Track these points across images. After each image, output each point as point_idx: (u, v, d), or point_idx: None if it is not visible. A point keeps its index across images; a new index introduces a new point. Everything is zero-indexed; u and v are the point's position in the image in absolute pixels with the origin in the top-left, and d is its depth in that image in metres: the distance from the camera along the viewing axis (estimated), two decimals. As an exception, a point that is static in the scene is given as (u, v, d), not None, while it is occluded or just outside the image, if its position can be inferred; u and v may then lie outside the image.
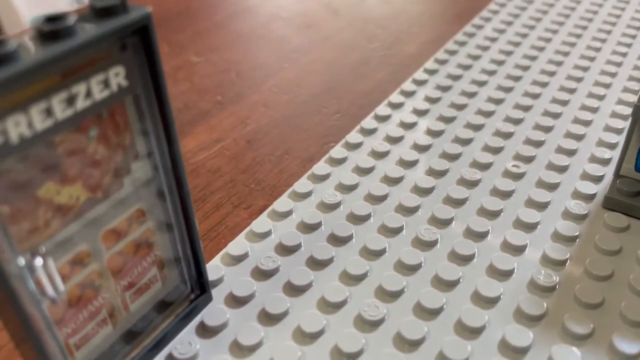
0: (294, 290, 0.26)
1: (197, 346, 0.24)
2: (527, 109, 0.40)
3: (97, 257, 0.21)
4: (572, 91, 0.42)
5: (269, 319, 0.25)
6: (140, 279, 0.23)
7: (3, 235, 0.16)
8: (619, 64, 0.45)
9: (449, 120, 0.39)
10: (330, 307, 0.25)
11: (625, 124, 0.37)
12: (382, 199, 0.32)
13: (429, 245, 0.29)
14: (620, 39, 0.49)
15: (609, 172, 0.33)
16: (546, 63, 0.45)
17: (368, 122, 0.38)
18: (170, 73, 0.46)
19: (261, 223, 0.30)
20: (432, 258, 0.28)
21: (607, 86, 0.42)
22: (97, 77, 0.17)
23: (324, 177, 0.33)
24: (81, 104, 0.17)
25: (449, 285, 0.26)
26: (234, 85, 0.45)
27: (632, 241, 0.29)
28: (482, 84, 0.43)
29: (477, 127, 0.38)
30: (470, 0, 0.59)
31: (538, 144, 0.36)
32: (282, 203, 0.31)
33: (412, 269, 0.27)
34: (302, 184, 0.33)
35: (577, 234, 0.29)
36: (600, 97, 0.41)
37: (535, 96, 0.41)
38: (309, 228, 0.30)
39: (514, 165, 0.34)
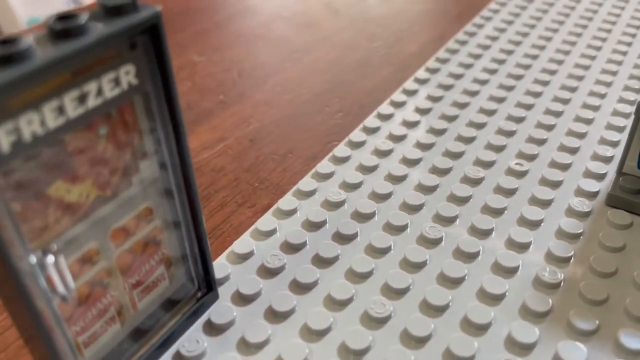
0: (300, 288, 0.26)
1: (204, 344, 0.24)
2: (529, 107, 0.40)
3: (106, 255, 0.21)
4: (573, 90, 0.42)
5: (275, 316, 0.25)
6: (147, 277, 0.23)
7: (15, 233, 0.16)
8: (619, 63, 0.45)
9: (451, 118, 0.39)
10: (336, 304, 0.26)
11: (627, 122, 0.38)
12: (386, 197, 0.32)
13: (434, 243, 0.29)
14: (621, 37, 0.49)
15: (611, 169, 0.34)
16: (547, 62, 0.46)
17: (371, 120, 0.39)
18: (172, 72, 0.46)
19: (266, 221, 0.30)
20: (437, 256, 0.28)
21: (608, 85, 0.42)
22: (108, 76, 0.17)
23: (328, 176, 0.34)
24: (92, 102, 0.17)
25: (454, 282, 0.26)
26: (236, 85, 0.45)
27: (635, 238, 0.29)
28: (483, 82, 0.43)
29: (480, 126, 0.38)
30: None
31: (540, 142, 0.36)
32: (287, 201, 0.31)
33: (418, 266, 0.27)
34: (306, 183, 0.33)
35: (580, 231, 0.29)
36: (602, 96, 0.41)
37: (537, 95, 0.41)
38: (314, 226, 0.30)
39: (517, 164, 0.34)
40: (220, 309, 0.25)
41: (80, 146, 0.18)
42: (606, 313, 0.25)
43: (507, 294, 0.26)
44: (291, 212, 0.31)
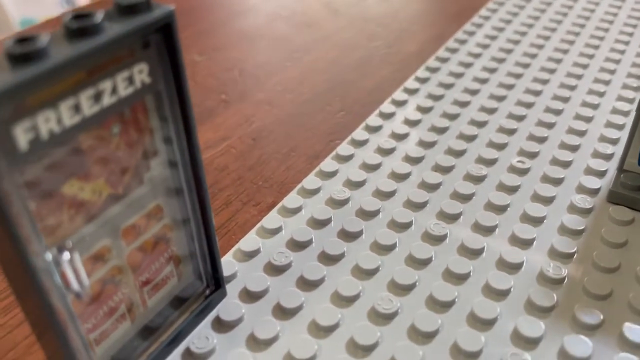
0: (307, 285, 0.27)
1: (214, 340, 0.24)
2: (529, 105, 0.40)
3: (117, 253, 0.21)
4: (572, 88, 0.42)
5: (284, 313, 0.25)
6: (157, 275, 0.23)
7: (32, 230, 0.17)
8: (617, 61, 0.46)
9: (452, 117, 0.39)
10: (344, 301, 0.26)
11: (626, 120, 0.38)
12: (390, 194, 0.32)
13: (439, 239, 0.29)
14: (618, 36, 0.50)
15: (611, 167, 0.34)
16: (546, 60, 0.46)
17: (373, 119, 0.39)
18: (173, 72, 0.47)
19: (272, 219, 0.30)
20: (443, 252, 0.28)
21: (606, 83, 0.43)
22: (122, 74, 0.17)
23: (331, 174, 0.34)
24: (107, 100, 0.17)
25: (460, 278, 0.27)
26: (237, 84, 0.45)
27: (637, 234, 0.29)
28: (484, 81, 0.43)
29: (481, 124, 0.38)
30: (468, -1, 0.59)
31: (541, 139, 0.36)
32: (292, 199, 0.31)
33: (423, 263, 0.28)
34: (310, 181, 0.33)
35: (583, 227, 0.29)
36: (601, 94, 0.41)
37: (537, 93, 0.42)
38: (319, 224, 0.30)
39: (518, 161, 0.34)
40: (229, 306, 0.26)
41: (94, 144, 0.18)
42: (610, 307, 0.25)
43: (512, 289, 0.26)
44: (296, 210, 0.31)
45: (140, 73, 0.18)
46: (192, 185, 0.23)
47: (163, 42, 0.18)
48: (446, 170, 0.34)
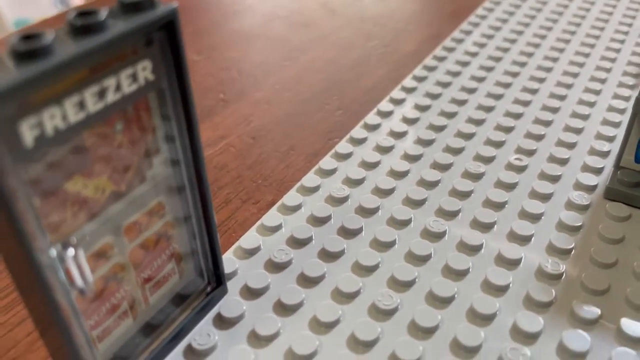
0: (308, 281, 0.27)
1: (215, 337, 0.24)
2: (526, 104, 0.40)
3: (120, 249, 0.21)
4: (569, 86, 0.43)
5: (284, 309, 0.25)
6: (159, 272, 0.24)
7: (37, 227, 0.17)
8: (613, 60, 0.46)
9: (450, 115, 0.39)
10: (344, 297, 0.26)
11: (622, 118, 0.38)
12: (389, 192, 0.32)
13: (438, 236, 0.29)
14: (613, 35, 0.50)
15: (608, 164, 0.34)
16: (542, 59, 0.46)
17: (371, 117, 0.39)
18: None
19: (272, 217, 0.30)
20: (442, 249, 0.28)
21: (602, 81, 0.43)
22: (126, 71, 0.18)
23: (330, 172, 0.34)
24: (111, 97, 0.17)
25: (459, 274, 0.27)
26: (236, 83, 0.46)
27: (634, 230, 0.29)
28: (481, 80, 0.44)
29: (479, 122, 0.38)
30: (465, -1, 0.60)
31: (539, 137, 0.37)
32: (291, 197, 0.32)
33: (423, 259, 0.28)
34: (309, 179, 0.33)
35: (580, 224, 0.30)
36: (597, 92, 0.42)
37: (534, 91, 0.42)
38: (319, 221, 0.30)
39: (516, 159, 0.35)
40: (230, 303, 0.26)
41: (97, 142, 0.18)
42: (608, 302, 0.26)
43: (511, 285, 0.26)
44: (296, 208, 0.31)
45: (144, 70, 0.18)
46: (193, 182, 0.23)
47: (166, 40, 0.19)
48: (444, 167, 0.34)
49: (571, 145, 0.36)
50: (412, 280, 0.27)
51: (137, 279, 0.22)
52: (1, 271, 0.29)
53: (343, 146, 0.36)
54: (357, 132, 0.37)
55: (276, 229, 0.30)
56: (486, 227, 0.30)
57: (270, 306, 0.26)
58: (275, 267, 0.28)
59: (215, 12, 0.59)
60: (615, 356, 0.23)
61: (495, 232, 0.29)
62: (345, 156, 0.35)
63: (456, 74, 0.44)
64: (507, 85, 0.43)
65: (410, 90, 0.43)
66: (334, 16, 0.57)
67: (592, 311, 0.25)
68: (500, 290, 0.26)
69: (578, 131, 0.37)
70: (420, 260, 0.28)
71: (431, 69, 0.45)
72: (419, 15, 0.57)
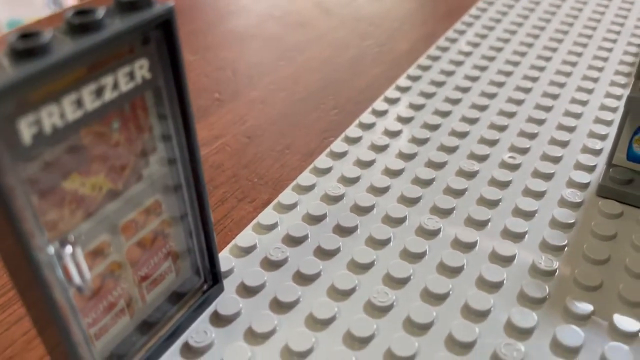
0: (303, 279, 0.27)
1: (212, 335, 0.24)
2: (519, 102, 0.41)
3: (116, 247, 0.21)
4: (561, 85, 0.43)
5: (281, 307, 0.26)
6: (155, 270, 0.24)
7: (35, 224, 0.17)
8: (605, 59, 0.46)
9: (444, 114, 0.40)
10: (340, 294, 0.26)
11: (614, 116, 0.39)
12: (384, 190, 0.32)
13: (433, 234, 0.29)
14: (605, 35, 0.50)
15: (600, 162, 0.35)
16: (535, 59, 0.47)
17: (366, 117, 0.39)
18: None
19: (267, 215, 0.30)
20: (436, 246, 0.29)
21: (594, 80, 0.43)
22: (123, 70, 0.18)
23: (326, 171, 0.34)
24: (109, 95, 0.18)
25: (454, 271, 0.27)
26: (231, 83, 0.46)
27: (626, 227, 0.30)
28: (474, 79, 0.44)
29: (472, 121, 0.39)
30: (458, -1, 0.60)
31: (532, 136, 0.37)
32: (287, 196, 0.32)
33: (418, 256, 0.28)
34: (305, 178, 0.33)
35: (573, 221, 0.30)
36: (589, 91, 0.42)
37: (527, 90, 0.42)
38: (314, 220, 0.30)
39: (510, 157, 0.35)
40: (226, 301, 0.26)
41: (95, 140, 0.18)
42: (601, 298, 0.26)
43: (504, 281, 0.27)
44: (292, 207, 0.31)
45: (141, 69, 0.18)
46: (190, 180, 0.23)
47: (163, 38, 0.19)
48: (439, 166, 0.34)
49: (564, 144, 0.36)
50: (407, 278, 0.27)
51: (133, 277, 0.23)
52: (-3, 270, 0.29)
53: (338, 145, 0.36)
54: (352, 131, 0.38)
55: (272, 227, 0.30)
56: (480, 225, 0.30)
57: (267, 304, 0.26)
58: (272, 265, 0.28)
59: (210, 13, 0.59)
60: (607, 351, 0.23)
61: (489, 230, 0.30)
62: (341, 155, 0.36)
63: (450, 74, 0.45)
64: (500, 85, 0.43)
65: (404, 90, 0.43)
66: (329, 16, 0.57)
67: (585, 307, 0.25)
68: (494, 287, 0.26)
69: (571, 130, 0.38)
70: (415, 257, 0.28)
71: (425, 68, 0.46)
72: (413, 15, 0.58)
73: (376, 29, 0.54)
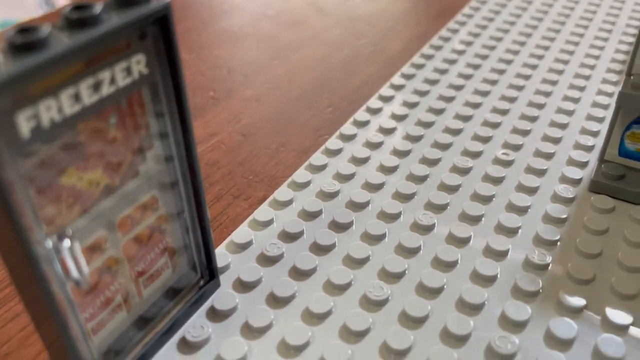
0: (299, 274, 0.27)
1: (209, 329, 0.24)
2: (512, 100, 0.41)
3: (113, 243, 0.21)
4: (554, 83, 0.43)
5: (277, 302, 0.26)
6: (152, 266, 0.24)
7: (34, 218, 0.17)
8: (596, 57, 0.47)
9: (438, 112, 0.40)
10: (336, 289, 0.26)
11: (606, 113, 0.39)
12: (379, 187, 0.33)
13: (427, 229, 0.30)
14: (597, 33, 0.51)
15: (592, 158, 0.35)
16: (528, 57, 0.47)
17: (361, 114, 0.39)
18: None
19: (263, 212, 0.31)
20: (431, 241, 0.29)
21: (586, 78, 0.44)
22: (120, 65, 0.18)
23: (321, 168, 0.34)
24: (106, 90, 0.18)
25: (448, 266, 0.27)
26: (225, 82, 0.46)
27: (618, 221, 0.30)
28: (468, 77, 0.44)
29: (466, 118, 0.39)
30: (451, -2, 0.60)
31: (525, 132, 0.37)
32: (283, 192, 0.32)
33: (412, 251, 0.28)
34: (300, 174, 0.33)
35: (566, 216, 0.30)
36: (581, 89, 0.42)
37: (520, 88, 0.43)
38: (310, 216, 0.31)
39: (503, 153, 0.35)
40: (223, 296, 0.26)
41: (92, 135, 0.18)
42: (593, 291, 0.26)
43: (498, 275, 0.27)
44: (287, 203, 0.32)
45: (138, 64, 0.19)
46: (187, 176, 0.23)
47: (160, 34, 0.19)
48: (433, 162, 0.35)
49: (556, 140, 0.37)
50: (402, 272, 0.27)
51: (130, 272, 0.23)
52: (-7, 268, 0.29)
53: (333, 142, 0.36)
54: (347, 128, 0.38)
55: (268, 223, 0.30)
56: (474, 220, 0.30)
57: (263, 299, 0.26)
58: (268, 260, 0.28)
59: (204, 12, 0.59)
60: (600, 343, 0.24)
61: (483, 225, 0.30)
62: (336, 152, 0.36)
63: (443, 72, 0.45)
64: (493, 82, 0.43)
65: (398, 88, 0.43)
66: (322, 15, 0.57)
67: (578, 300, 0.26)
68: (488, 281, 0.27)
69: (563, 126, 0.38)
70: (410, 252, 0.28)
71: (419, 67, 0.46)
72: (407, 14, 0.58)
73: (370, 28, 0.55)
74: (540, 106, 0.40)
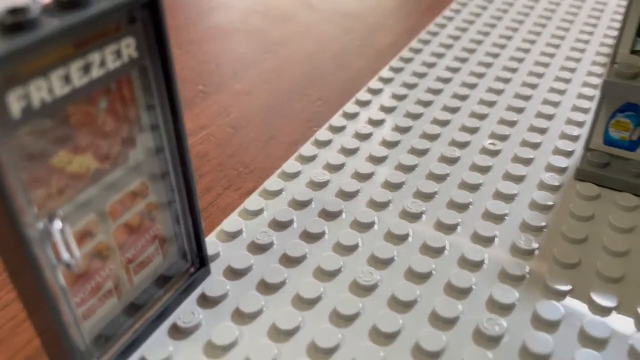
0: (290, 261, 0.27)
1: (199, 316, 0.25)
2: (499, 92, 0.42)
3: (104, 228, 0.21)
4: (540, 75, 0.44)
5: (267, 288, 0.26)
6: (142, 253, 0.24)
7: (25, 199, 0.17)
8: (582, 50, 0.47)
9: (426, 104, 0.40)
10: (326, 275, 0.27)
11: (591, 105, 0.40)
12: (368, 176, 0.33)
13: (416, 217, 0.30)
14: (582, 27, 0.51)
15: (578, 147, 0.35)
16: (514, 50, 0.48)
17: (350, 107, 0.40)
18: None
19: (253, 201, 0.31)
20: (420, 228, 0.29)
21: (572, 70, 0.44)
22: (110, 47, 0.18)
23: (311, 158, 0.35)
24: (96, 72, 0.18)
25: (436, 252, 0.28)
26: (215, 76, 0.46)
27: (603, 208, 0.31)
28: (455, 70, 0.45)
29: (454, 110, 0.40)
30: (439, -6, 0.61)
31: (511, 123, 0.38)
32: (273, 182, 0.32)
33: (401, 238, 0.29)
34: (290, 165, 0.34)
35: (552, 203, 0.31)
36: (567, 81, 0.43)
37: (506, 80, 0.43)
38: (300, 205, 0.31)
39: (490, 143, 0.36)
40: (213, 283, 0.26)
41: (82, 118, 0.19)
42: (579, 275, 0.27)
43: (486, 260, 0.27)
44: (277, 193, 0.32)
45: (128, 47, 0.19)
46: (177, 164, 0.23)
47: (149, 19, 0.19)
48: (421, 153, 0.35)
49: (543, 130, 0.37)
50: (391, 258, 0.27)
51: (121, 258, 0.23)
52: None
53: (323, 134, 0.37)
54: (337, 120, 0.38)
55: (258, 212, 0.30)
56: (462, 208, 0.31)
57: (254, 285, 0.26)
58: (258, 248, 0.28)
59: (193, 8, 0.59)
60: (586, 324, 0.24)
61: (470, 212, 0.30)
62: (325, 143, 0.36)
63: (431, 65, 0.46)
64: (480, 75, 0.44)
65: (387, 81, 0.43)
66: (312, 11, 0.58)
67: (564, 283, 0.26)
68: (476, 266, 0.27)
69: (549, 117, 0.39)
70: (398, 239, 0.29)
71: (408, 60, 0.46)
72: (396, 9, 0.58)
73: (360, 23, 0.55)
74: (527, 98, 0.41)
